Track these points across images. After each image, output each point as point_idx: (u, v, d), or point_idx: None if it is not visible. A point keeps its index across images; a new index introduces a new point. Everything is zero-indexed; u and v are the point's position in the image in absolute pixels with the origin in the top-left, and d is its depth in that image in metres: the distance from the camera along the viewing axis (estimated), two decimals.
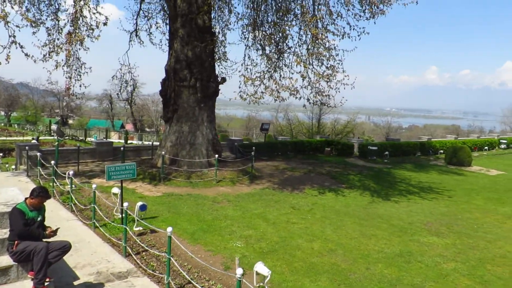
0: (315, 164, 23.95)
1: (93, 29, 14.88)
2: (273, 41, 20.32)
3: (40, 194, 6.61)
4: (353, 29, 14.80)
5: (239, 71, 22.38)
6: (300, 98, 16.10)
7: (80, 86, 17.81)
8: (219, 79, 19.46)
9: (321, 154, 28.80)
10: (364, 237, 11.44)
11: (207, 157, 18.63)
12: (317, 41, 14.73)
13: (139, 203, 10.89)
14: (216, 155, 17.42)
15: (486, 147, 37.16)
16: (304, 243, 10.62)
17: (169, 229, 7.43)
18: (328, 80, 14.49)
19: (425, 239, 11.53)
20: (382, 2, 13.41)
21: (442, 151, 32.31)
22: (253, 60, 22.38)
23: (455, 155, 27.20)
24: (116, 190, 11.77)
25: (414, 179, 21.62)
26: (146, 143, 53.11)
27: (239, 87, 22.04)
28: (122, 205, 10.71)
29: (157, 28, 24.55)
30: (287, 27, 15.99)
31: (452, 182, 21.45)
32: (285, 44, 16.52)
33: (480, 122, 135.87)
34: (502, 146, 40.02)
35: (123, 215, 9.14)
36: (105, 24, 15.39)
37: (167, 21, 24.40)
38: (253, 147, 21.01)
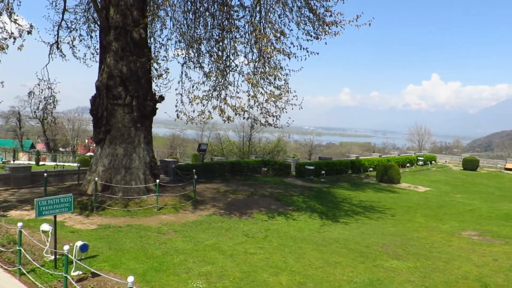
0: (255, 186, 23.23)
1: (15, 38, 12.75)
2: (213, 58, 19.48)
3: None
4: (303, 48, 14.47)
5: (176, 89, 21.22)
6: (248, 118, 15.34)
7: None
8: (157, 97, 18.02)
9: (258, 174, 28.23)
10: (329, 265, 10.81)
11: (145, 182, 16.99)
12: (267, 60, 14.14)
13: (79, 243, 9.16)
14: (157, 180, 15.87)
15: (408, 164, 39.47)
16: (270, 277, 9.67)
17: (130, 278, 6.09)
18: (276, 100, 13.90)
19: (388, 264, 11.22)
20: (335, 23, 13.24)
21: (371, 168, 33.55)
22: (190, 77, 21.39)
23: (386, 173, 28.28)
24: (46, 227, 9.86)
25: (354, 198, 21.83)
26: (61, 164, 48.53)
27: (176, 106, 20.88)
28: (56, 246, 8.96)
29: (80, 40, 22.42)
30: (236, 44, 15.18)
31: (389, 200, 22.02)
32: (229, 62, 15.70)
33: (390, 140, 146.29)
34: (420, 162, 42.89)
35: (62, 259, 7.48)
36: (29, 32, 13.31)
37: (93, 34, 22.49)
38: (193, 170, 19.72)
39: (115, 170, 16.52)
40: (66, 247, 7.43)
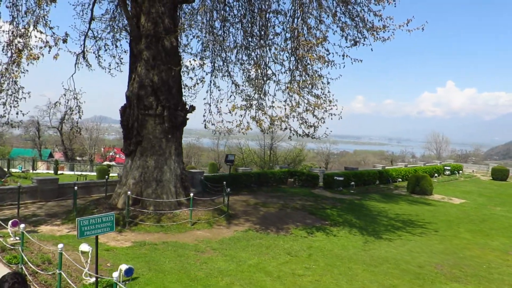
0: (284, 197, 22.42)
1: (50, 47, 12.26)
2: (243, 67, 18.88)
3: (15, 286, 4.26)
4: (344, 55, 13.70)
5: (204, 98, 20.68)
6: (285, 129, 14.57)
7: (18, 113, 15.03)
8: (188, 107, 17.44)
9: (284, 185, 27.44)
10: None
11: (176, 196, 16.34)
12: (307, 67, 13.41)
13: (124, 267, 8.49)
14: (191, 194, 15.18)
15: (435, 174, 38.18)
16: None
17: None
18: (320, 109, 13.11)
19: (446, 287, 10.30)
20: (384, 28, 12.44)
21: (400, 179, 32.46)
22: (219, 87, 20.82)
23: (418, 184, 27.19)
24: (85, 247, 9.24)
25: (389, 211, 20.84)
26: (79, 172, 48.32)
27: (204, 116, 20.30)
28: (97, 270, 8.30)
29: (106, 50, 22.06)
30: (276, 51, 14.48)
31: (427, 213, 20.97)
32: (266, 70, 14.98)
33: (408, 148, 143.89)
34: (447, 172, 41.51)
35: (103, 282, 6.82)
36: (64, 41, 12.83)
37: (117, 43, 22.13)
38: (224, 182, 19.03)
39: (146, 183, 15.92)
40: (115, 275, 6.75)
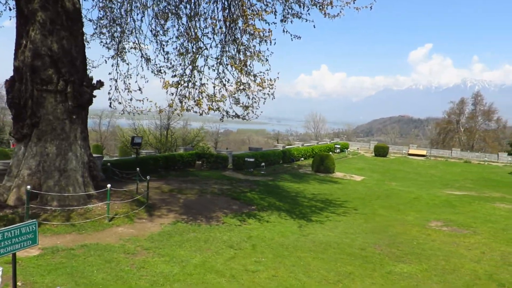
0: (198, 182, 21.05)
1: None
2: (166, 37, 16.92)
3: None
4: (286, 31, 12.68)
5: (110, 73, 18.25)
6: (217, 109, 13.18)
7: None
8: (95, 82, 14.83)
9: (192, 168, 25.97)
10: (345, 277, 9.53)
11: (84, 187, 13.87)
12: (242, 41, 12.15)
13: None
14: (108, 185, 12.91)
15: (330, 152, 40.35)
16: None
17: None
18: (262, 88, 12.00)
19: (399, 269, 10.33)
20: (331, 4, 11.59)
21: (302, 158, 33.39)
22: (126, 60, 18.52)
23: (322, 163, 28.15)
24: None
25: (305, 191, 21.02)
26: None
27: (109, 93, 17.90)
28: None
29: None
30: (212, 20, 12.75)
31: (338, 191, 21.68)
32: (197, 43, 13.24)
33: (286, 127, 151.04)
34: (337, 150, 44.29)
35: None
36: None
37: None
38: (137, 168, 16.92)
39: (46, 173, 13.13)
40: None
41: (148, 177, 15.41)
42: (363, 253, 11.44)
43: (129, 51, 17.98)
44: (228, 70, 12.56)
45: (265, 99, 12.15)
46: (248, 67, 12.12)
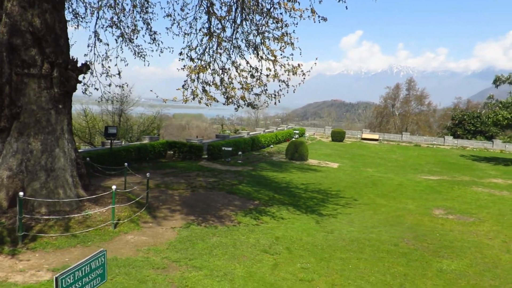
0: (180, 175, 19.42)
1: None
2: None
3: None
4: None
5: (86, 55, 16.20)
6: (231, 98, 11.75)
7: None
8: (81, 65, 12.70)
9: (164, 159, 24.15)
10: (405, 280, 8.89)
11: (75, 188, 11.90)
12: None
13: None
14: (114, 186, 11.02)
15: (293, 138, 40.03)
16: None
17: None
18: (294, 73, 10.75)
19: (446, 266, 9.93)
20: None
21: (272, 145, 32.59)
22: (101, 40, 16.57)
23: (296, 151, 27.57)
24: None
25: (294, 182, 20.28)
26: None
27: (84, 77, 15.83)
28: None
29: None
30: None
31: (325, 180, 21.22)
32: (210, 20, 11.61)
33: (224, 112, 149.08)
34: (296, 136, 44.12)
35: None
36: None
37: None
38: (126, 162, 15.02)
39: (31, 174, 10.99)
40: None
41: (148, 174, 13.66)
42: (400, 250, 10.90)
43: (106, 30, 15.84)
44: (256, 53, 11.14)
45: (294, 87, 10.98)
46: (281, 51, 10.83)
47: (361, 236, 11.90)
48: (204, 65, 10.20)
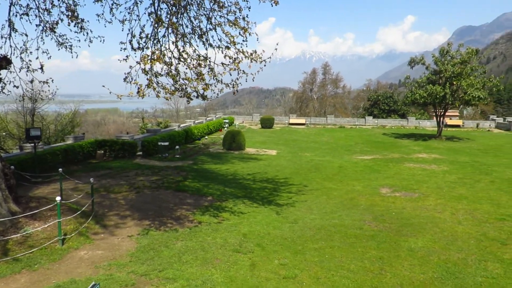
0: (117, 176, 17.88)
1: None
2: None
3: None
4: None
5: (0, 48, 14.19)
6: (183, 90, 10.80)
7: None
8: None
9: (94, 159, 22.20)
10: (383, 263, 8.89)
11: (5, 203, 10.22)
12: None
13: None
14: (58, 198, 9.57)
15: (225, 128, 39.40)
16: None
17: None
18: (254, 60, 10.09)
19: (413, 244, 10.19)
20: None
21: (206, 137, 31.69)
22: (17, 30, 14.57)
23: (234, 141, 27.07)
24: None
25: (240, 173, 19.81)
26: None
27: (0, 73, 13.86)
28: None
29: None
30: None
31: (269, 169, 21.05)
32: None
33: (155, 105, 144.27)
34: (226, 125, 43.59)
35: None
36: None
37: None
38: (61, 168, 13.34)
39: None
40: None
41: (91, 180, 12.20)
42: (366, 233, 10.99)
43: (21, 18, 13.80)
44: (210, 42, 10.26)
45: (253, 75, 10.34)
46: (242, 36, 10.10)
47: (325, 223, 11.82)
48: (159, 54, 9.12)
